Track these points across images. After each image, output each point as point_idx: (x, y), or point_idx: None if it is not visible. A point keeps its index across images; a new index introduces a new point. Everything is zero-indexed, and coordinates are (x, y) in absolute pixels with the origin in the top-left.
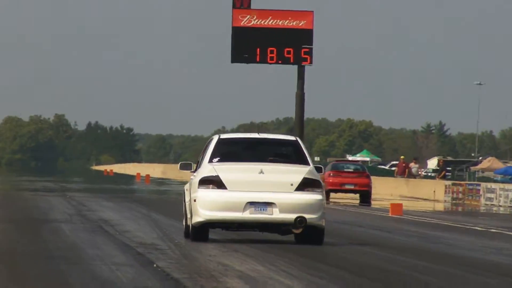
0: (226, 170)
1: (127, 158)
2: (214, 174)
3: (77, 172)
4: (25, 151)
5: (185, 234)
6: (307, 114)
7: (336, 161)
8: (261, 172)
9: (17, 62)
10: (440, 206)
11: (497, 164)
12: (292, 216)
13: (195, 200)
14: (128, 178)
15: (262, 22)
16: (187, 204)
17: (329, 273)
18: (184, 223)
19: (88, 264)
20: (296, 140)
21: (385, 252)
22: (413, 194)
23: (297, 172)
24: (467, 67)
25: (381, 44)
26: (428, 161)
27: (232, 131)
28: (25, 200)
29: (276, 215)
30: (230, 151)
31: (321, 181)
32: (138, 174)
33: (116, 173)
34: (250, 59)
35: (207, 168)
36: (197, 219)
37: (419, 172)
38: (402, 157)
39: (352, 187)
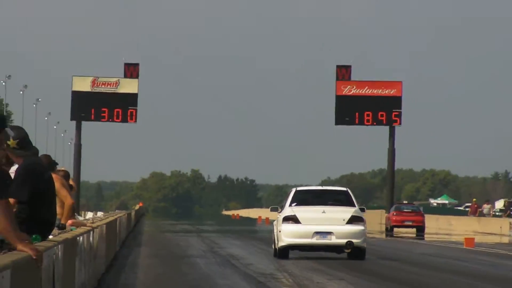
0: (300, 211)
1: (251, 205)
2: (292, 214)
3: (210, 217)
4: (167, 200)
5: (274, 254)
6: (397, 165)
7: (398, 203)
8: (323, 212)
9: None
10: (505, 240)
11: None
12: (344, 241)
13: (280, 231)
14: (252, 221)
15: (360, 91)
16: (275, 234)
17: None
18: (273, 247)
19: None
20: (347, 190)
21: (467, 279)
22: (483, 230)
23: (347, 212)
24: None
25: (454, 109)
26: (496, 202)
27: (336, 181)
28: (168, 239)
29: (333, 240)
30: (303, 198)
31: (364, 217)
32: (260, 217)
33: (241, 217)
34: (350, 121)
35: (288, 210)
36: (281, 244)
37: (491, 212)
38: (474, 199)
39: (410, 223)
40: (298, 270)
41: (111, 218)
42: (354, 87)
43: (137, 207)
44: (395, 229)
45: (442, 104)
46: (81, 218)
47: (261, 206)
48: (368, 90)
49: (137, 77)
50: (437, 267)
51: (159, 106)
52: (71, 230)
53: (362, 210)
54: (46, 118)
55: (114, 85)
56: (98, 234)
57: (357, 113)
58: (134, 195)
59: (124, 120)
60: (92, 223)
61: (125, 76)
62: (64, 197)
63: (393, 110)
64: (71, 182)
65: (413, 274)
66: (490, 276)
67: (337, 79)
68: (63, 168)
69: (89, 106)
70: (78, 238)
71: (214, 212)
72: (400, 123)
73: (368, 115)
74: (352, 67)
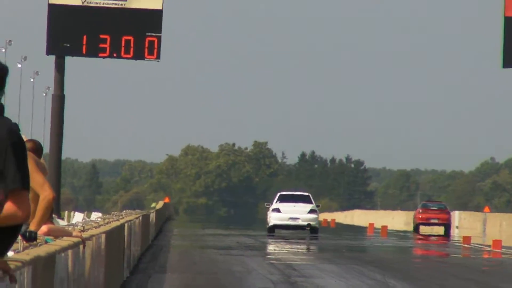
0: (281, 205)
1: (356, 203)
2: (277, 207)
3: None
4: (212, 193)
5: (267, 230)
6: None
7: (425, 201)
8: (294, 206)
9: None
10: None
11: None
12: (305, 223)
13: (270, 217)
14: (357, 231)
15: None
16: (268, 218)
17: None
18: (266, 226)
19: None
20: (309, 195)
21: None
22: None
23: (308, 206)
24: None
25: None
26: None
27: (508, 161)
28: (212, 261)
29: (300, 222)
30: (283, 198)
31: (317, 210)
32: (371, 224)
33: (339, 224)
34: None
35: (275, 205)
36: (270, 224)
37: None
38: None
39: (436, 221)
40: None
41: (115, 224)
42: None
43: (159, 205)
44: (421, 227)
45: None
46: (62, 223)
47: (374, 206)
48: None
49: None
50: None
51: (195, 34)
52: (46, 242)
53: (317, 206)
54: (3, 50)
55: None
56: (92, 251)
57: None
58: (154, 185)
59: (139, 55)
60: (82, 231)
61: None
62: (39, 186)
63: None
64: (41, 161)
65: None
66: None
67: None
68: (30, 139)
69: (78, 32)
70: (57, 256)
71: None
72: None
73: None
74: None
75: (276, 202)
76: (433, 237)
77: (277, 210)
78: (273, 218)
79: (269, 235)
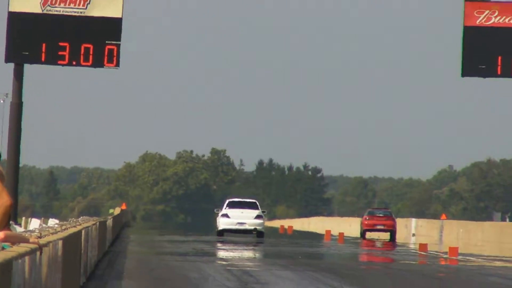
0: (230, 211)
1: (313, 210)
2: (226, 212)
3: None
4: (169, 200)
5: (216, 234)
6: None
7: (372, 208)
8: (242, 212)
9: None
10: None
11: None
12: (252, 228)
13: (219, 222)
14: (314, 237)
15: (504, 19)
16: (217, 223)
17: None
18: (216, 230)
19: None
20: (255, 201)
21: None
22: None
23: (254, 212)
24: None
25: None
26: None
27: (466, 169)
28: (169, 268)
29: (247, 227)
30: (232, 204)
31: (263, 215)
32: (328, 231)
33: (296, 231)
34: (485, 72)
35: (224, 210)
36: (219, 227)
37: None
38: None
39: (382, 227)
40: None
41: (72, 230)
42: (496, 13)
43: (116, 211)
44: (367, 233)
45: None
46: (19, 229)
47: (330, 213)
48: None
49: None
50: None
51: (153, 42)
52: (3, 248)
53: (263, 211)
54: None
55: (82, 3)
56: (49, 257)
57: (499, 57)
58: (111, 192)
59: (98, 63)
60: (39, 237)
61: None
62: None
63: None
64: None
65: None
66: None
67: None
68: None
69: (37, 39)
70: (14, 263)
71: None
72: None
73: None
74: None
75: (225, 208)
76: (378, 243)
77: (226, 215)
78: (222, 223)
79: (219, 240)
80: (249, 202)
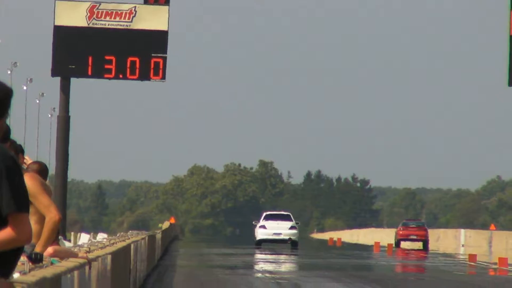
0: (267, 222)
1: (362, 222)
2: (263, 224)
3: None
4: (218, 214)
5: (255, 244)
6: None
7: (406, 220)
8: (278, 223)
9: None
10: None
11: None
12: (287, 237)
13: (257, 232)
14: (363, 249)
15: None
16: (255, 233)
17: None
18: (254, 240)
19: None
20: (289, 214)
21: None
22: None
23: (289, 224)
24: None
25: None
26: None
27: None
28: (218, 281)
29: (282, 237)
30: (269, 216)
31: (296, 226)
32: (377, 243)
33: (345, 243)
34: None
35: (261, 222)
36: (257, 238)
37: None
38: None
39: (415, 237)
40: None
41: (121, 245)
42: None
43: (165, 225)
44: (402, 243)
45: None
46: (69, 244)
47: (379, 224)
48: None
49: (167, 3)
50: None
51: (201, 53)
52: (52, 263)
53: (297, 223)
54: (9, 72)
55: (128, 16)
56: (98, 272)
57: None
58: (160, 206)
59: (144, 76)
60: (88, 252)
61: (146, 2)
62: (44, 208)
63: None
64: (47, 182)
65: None
66: None
67: None
68: (35, 161)
69: (83, 53)
70: (62, 277)
71: (299, 234)
72: None
73: None
74: None
75: (262, 220)
76: (411, 252)
77: (263, 226)
78: (260, 234)
79: (266, 252)
80: (284, 214)
